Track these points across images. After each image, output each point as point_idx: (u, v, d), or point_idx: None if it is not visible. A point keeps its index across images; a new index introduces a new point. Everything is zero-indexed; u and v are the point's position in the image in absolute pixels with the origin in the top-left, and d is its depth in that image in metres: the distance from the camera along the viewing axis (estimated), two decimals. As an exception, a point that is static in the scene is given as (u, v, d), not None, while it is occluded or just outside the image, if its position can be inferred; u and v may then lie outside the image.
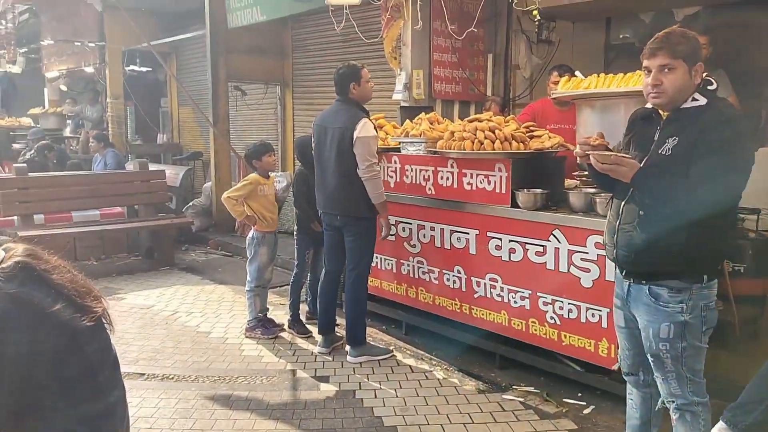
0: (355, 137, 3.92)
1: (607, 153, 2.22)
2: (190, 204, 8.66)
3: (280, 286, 5.74)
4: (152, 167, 8.79)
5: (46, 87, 13.53)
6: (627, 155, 2.26)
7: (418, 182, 4.39)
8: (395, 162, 4.54)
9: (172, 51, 11.07)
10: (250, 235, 4.75)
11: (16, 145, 11.18)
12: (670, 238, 2.19)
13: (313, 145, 4.25)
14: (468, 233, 4.08)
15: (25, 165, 6.95)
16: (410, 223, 4.50)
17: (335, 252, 4.31)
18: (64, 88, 12.73)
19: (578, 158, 2.39)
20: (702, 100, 2.23)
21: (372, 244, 4.24)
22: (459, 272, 4.19)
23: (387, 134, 4.75)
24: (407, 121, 4.64)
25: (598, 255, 3.36)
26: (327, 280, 4.37)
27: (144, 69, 11.36)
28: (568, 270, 3.54)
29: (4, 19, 11.09)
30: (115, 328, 1.41)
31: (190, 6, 9.19)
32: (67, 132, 11.80)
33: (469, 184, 4.01)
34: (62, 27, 11.39)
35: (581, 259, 3.47)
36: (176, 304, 5.61)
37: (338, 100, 4.14)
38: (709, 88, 2.26)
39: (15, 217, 6.53)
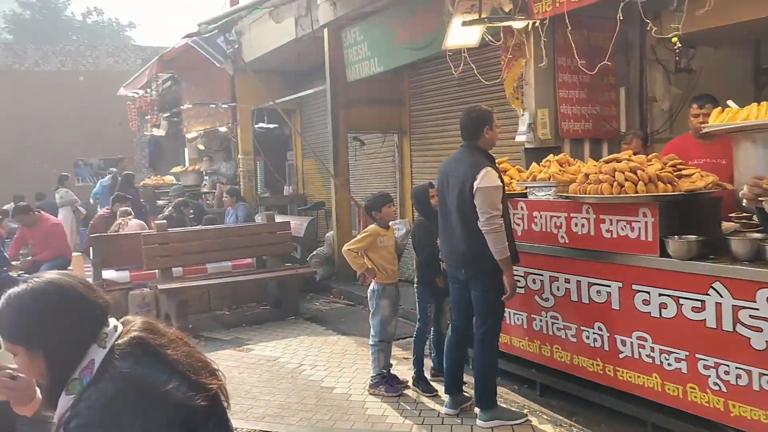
0: (475, 187, 3.68)
1: None
2: (314, 253, 8.79)
3: (403, 338, 5.53)
4: (279, 218, 9.07)
5: (186, 147, 14.66)
6: None
7: (548, 230, 4.05)
8: (522, 208, 4.23)
9: (297, 107, 11.56)
10: (370, 287, 4.63)
11: (160, 202, 12.10)
12: None
13: (436, 192, 4.08)
14: (609, 286, 3.65)
15: (165, 221, 7.39)
16: (541, 275, 4.14)
17: (462, 307, 4.04)
18: (201, 147, 13.70)
19: (744, 200, 1.99)
20: None
21: (500, 297, 3.93)
22: (600, 329, 3.75)
23: (512, 179, 4.46)
24: (534, 164, 4.34)
25: (773, 312, 2.84)
26: (453, 338, 4.11)
27: (271, 125, 11.94)
28: (734, 329, 3.02)
29: (149, 87, 12.18)
30: (243, 381, 1.28)
31: (312, 63, 9.57)
32: (204, 188, 12.60)
33: (608, 231, 3.61)
34: (199, 91, 12.32)
35: (750, 316, 2.95)
36: (301, 356, 5.57)
37: (463, 146, 3.92)
38: None
39: (156, 271, 6.90)
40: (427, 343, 4.77)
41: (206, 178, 12.61)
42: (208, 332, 6.48)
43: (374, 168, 9.49)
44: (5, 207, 10.52)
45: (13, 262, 7.12)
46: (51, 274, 1.57)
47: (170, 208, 9.15)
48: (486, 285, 3.85)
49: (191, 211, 9.52)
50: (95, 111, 16.56)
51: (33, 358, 1.47)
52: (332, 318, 7.00)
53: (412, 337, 4.78)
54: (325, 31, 8.00)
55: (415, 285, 4.78)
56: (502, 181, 3.78)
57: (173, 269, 6.92)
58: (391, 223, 4.77)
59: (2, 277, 6.57)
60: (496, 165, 3.89)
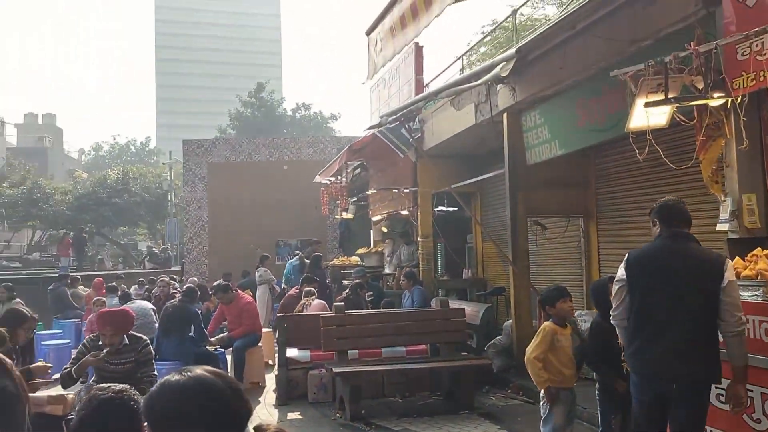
0: (726, 281, 3.24)
1: None
2: (491, 342, 8.47)
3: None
4: (455, 304, 8.97)
5: (372, 229, 15.40)
6: None
7: (757, 337, 3.44)
8: (724, 309, 3.65)
9: (476, 190, 11.61)
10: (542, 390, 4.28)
11: (345, 282, 12.71)
12: None
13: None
14: None
15: (342, 303, 7.69)
16: (751, 390, 3.49)
17: (656, 428, 3.50)
18: (384, 229, 14.30)
19: None
20: None
21: (706, 416, 3.39)
22: (836, 468, 3.01)
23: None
24: (737, 258, 3.77)
25: None
26: None
27: (451, 209, 12.08)
28: None
29: (340, 174, 13.14)
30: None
31: (492, 147, 9.62)
32: (386, 270, 13.01)
33: (839, 344, 2.96)
34: (384, 177, 13.00)
35: None
36: (471, 457, 5.27)
37: (680, 235, 3.48)
38: None
39: (334, 352, 7.13)
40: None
41: (387, 259, 13.03)
42: (379, 419, 6.45)
43: (557, 254, 9.06)
44: (215, 283, 11.81)
45: (212, 339, 7.85)
46: (204, 372, 1.62)
47: (348, 290, 9.54)
48: (703, 399, 3.37)
49: (370, 293, 9.82)
50: (295, 196, 18.29)
51: None
52: (508, 416, 6.58)
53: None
54: (504, 115, 8.03)
55: (596, 391, 4.33)
56: None
57: (349, 352, 7.10)
58: (576, 314, 4.44)
59: (200, 352, 7.27)
60: None
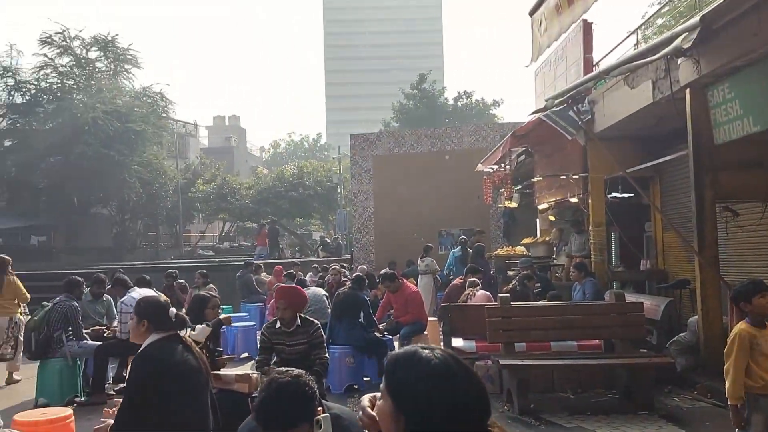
0: None
1: None
2: (674, 339, 7.81)
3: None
4: (633, 297, 8.43)
5: (538, 218, 14.94)
6: None
7: None
8: None
9: (655, 174, 10.77)
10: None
11: (510, 272, 12.50)
12: None
13: None
14: None
15: (508, 295, 7.56)
16: None
17: None
18: (552, 218, 13.79)
19: None
20: None
21: None
22: None
23: None
24: None
25: None
26: None
27: (626, 195, 11.32)
28: None
29: (503, 162, 12.89)
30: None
31: (672, 127, 8.83)
32: (554, 260, 12.56)
33: None
34: (551, 163, 12.52)
35: None
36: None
37: None
38: None
39: (500, 344, 7.05)
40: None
41: (555, 249, 12.56)
42: (549, 415, 6.27)
43: (751, 243, 8.11)
44: (382, 272, 12.24)
45: (380, 325, 8.17)
46: (451, 356, 1.55)
47: (515, 281, 9.35)
48: None
49: (537, 284, 9.55)
50: (457, 186, 18.29)
51: (394, 415, 1.48)
52: (694, 419, 6.06)
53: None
54: (687, 91, 7.33)
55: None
56: None
57: (516, 344, 6.98)
58: None
59: (370, 338, 7.60)
60: None
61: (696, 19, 5.84)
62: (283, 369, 2.31)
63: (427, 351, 1.52)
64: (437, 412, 1.43)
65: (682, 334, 7.88)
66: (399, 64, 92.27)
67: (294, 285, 7.06)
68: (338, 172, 34.24)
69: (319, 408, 2.22)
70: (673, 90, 7.40)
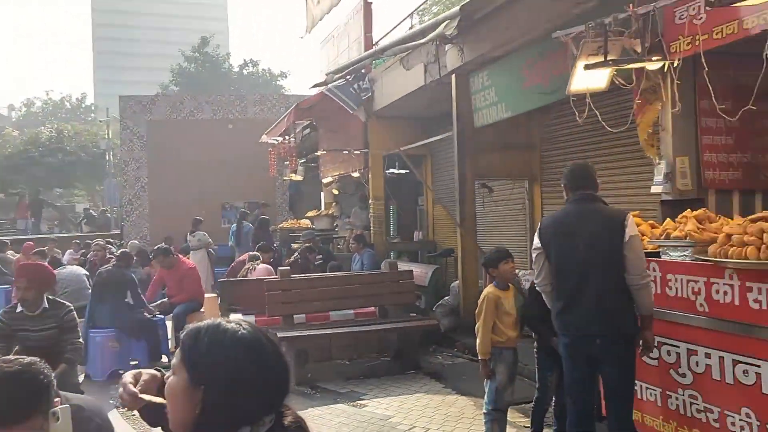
0: (627, 236, 3.43)
1: None
2: (439, 303, 8.69)
3: (526, 402, 5.22)
4: (404, 266, 9.14)
5: (323, 191, 15.35)
6: None
7: (684, 296, 3.66)
8: (654, 269, 3.87)
9: (428, 153, 11.70)
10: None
11: (294, 245, 12.73)
12: None
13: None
14: (759, 366, 3.20)
15: (288, 268, 7.72)
16: (677, 346, 3.73)
17: (587, 389, 3.69)
18: (336, 191, 14.28)
19: None
20: None
21: (635, 371, 3.62)
22: (748, 416, 3.28)
23: (643, 235, 4.12)
24: (668, 219, 3.97)
25: None
26: (577, 424, 3.70)
27: (403, 171, 12.16)
28: None
29: (288, 134, 12.99)
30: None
31: (442, 109, 9.66)
32: (336, 233, 13.06)
33: (756, 302, 3.18)
34: (334, 137, 12.92)
35: None
36: (415, 416, 5.46)
37: (584, 197, 3.66)
38: None
39: (280, 317, 7.19)
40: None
41: (338, 222, 13.07)
42: (325, 383, 6.58)
43: (503, 216, 9.28)
44: (156, 247, 11.61)
45: (152, 304, 7.77)
46: (258, 329, 1.47)
47: (297, 254, 9.56)
48: (626, 353, 3.55)
49: (319, 256, 9.87)
50: (241, 157, 17.87)
51: (189, 391, 1.38)
52: (454, 374, 6.82)
53: (532, 402, 4.53)
54: (453, 76, 8.07)
55: (535, 349, 4.53)
56: None
57: (295, 316, 7.18)
58: (521, 274, 4.58)
59: (137, 318, 7.20)
60: None
61: (457, 8, 6.45)
62: (11, 357, 2.08)
63: (233, 323, 1.46)
64: (243, 386, 1.37)
65: (446, 298, 8.79)
66: (181, 24, 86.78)
67: (37, 262, 6.34)
68: (107, 137, 31.34)
69: (57, 399, 2.04)
70: (441, 74, 8.10)
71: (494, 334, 4.32)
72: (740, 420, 3.33)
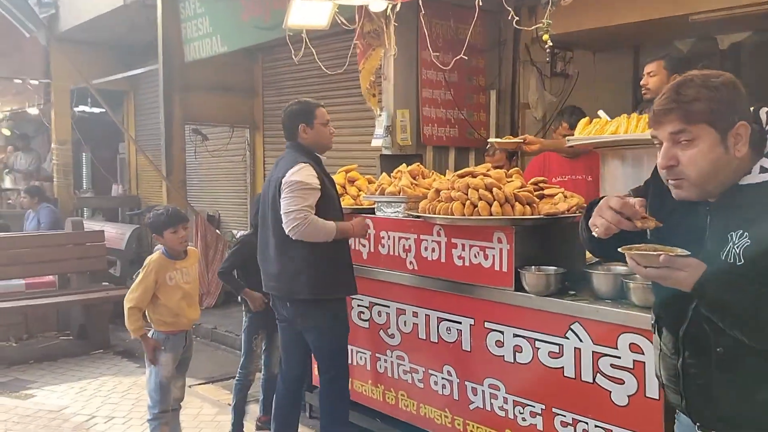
0: (284, 184, 3.36)
1: (650, 252, 1.61)
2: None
3: (233, 378, 5.08)
4: (99, 225, 8.34)
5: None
6: (681, 252, 1.63)
7: (396, 253, 3.81)
8: (370, 227, 3.97)
9: (130, 89, 10.78)
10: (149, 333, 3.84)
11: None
12: None
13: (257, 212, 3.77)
14: (460, 323, 3.46)
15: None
16: (387, 306, 3.89)
17: (293, 351, 3.71)
18: (7, 132, 12.37)
19: (593, 229, 1.79)
20: None
21: (343, 336, 3.66)
22: (449, 374, 3.55)
23: (360, 191, 4.21)
24: (384, 175, 4.09)
25: (634, 361, 2.74)
26: (285, 392, 3.73)
27: (97, 110, 11.00)
28: (594, 380, 2.91)
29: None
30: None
31: (147, 38, 8.87)
32: (6, 183, 11.38)
33: (460, 258, 3.42)
34: (5, 63, 11.13)
35: (611, 365, 2.85)
36: (96, 404, 4.99)
37: (287, 146, 3.63)
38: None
39: None
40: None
41: (6, 171, 11.41)
42: (-20, 371, 5.69)
43: (220, 168, 9.00)
44: None
45: None
46: None
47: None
48: (318, 320, 3.54)
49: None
50: None
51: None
52: (149, 352, 6.41)
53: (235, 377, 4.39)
54: (159, -2, 7.43)
55: (244, 312, 4.39)
56: (326, 187, 3.48)
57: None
58: (239, 234, 4.30)
59: None
60: (324, 167, 3.59)
61: None
62: None
63: None
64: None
65: (148, 264, 8.22)
66: None
67: None
68: None
69: None
70: (144, -6, 7.41)
71: (157, 314, 3.81)
72: (442, 378, 3.59)
